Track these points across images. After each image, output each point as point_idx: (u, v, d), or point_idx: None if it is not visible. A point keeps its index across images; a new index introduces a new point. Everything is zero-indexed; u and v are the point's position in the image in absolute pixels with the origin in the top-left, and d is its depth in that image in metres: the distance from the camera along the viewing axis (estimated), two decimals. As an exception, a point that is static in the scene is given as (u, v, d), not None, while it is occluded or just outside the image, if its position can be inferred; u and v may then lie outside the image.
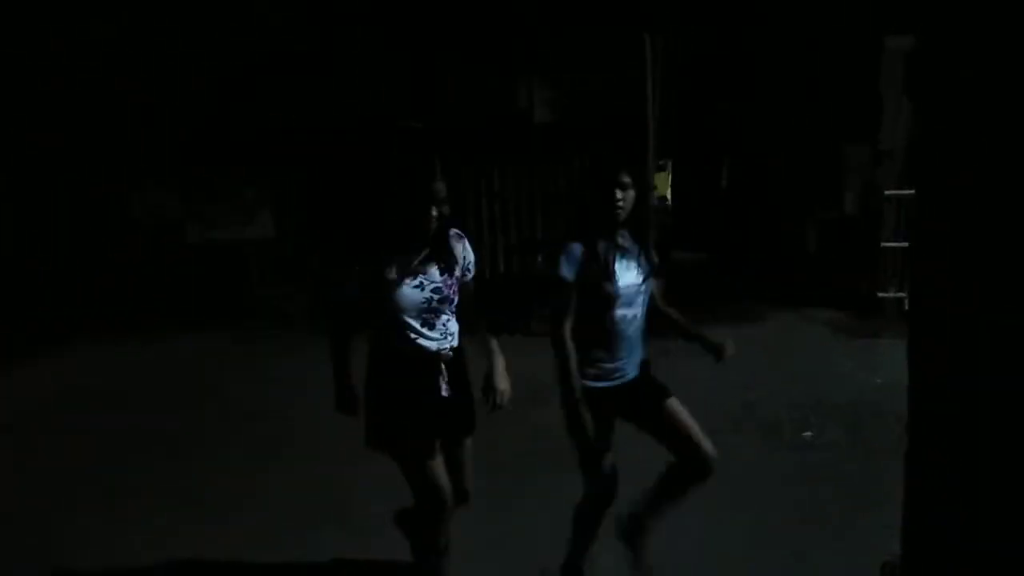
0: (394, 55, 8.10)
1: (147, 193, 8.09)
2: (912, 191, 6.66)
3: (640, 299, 2.68)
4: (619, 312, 2.62)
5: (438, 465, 2.67)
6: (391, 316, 2.56)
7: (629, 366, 2.72)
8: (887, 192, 6.83)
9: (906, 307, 6.69)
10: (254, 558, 3.32)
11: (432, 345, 2.61)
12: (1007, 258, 1.05)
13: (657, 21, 7.04)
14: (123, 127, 8.09)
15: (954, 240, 1.13)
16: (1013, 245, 1.05)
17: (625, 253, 2.65)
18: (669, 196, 8.50)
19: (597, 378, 2.66)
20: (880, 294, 6.82)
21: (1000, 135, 1.08)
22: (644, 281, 2.68)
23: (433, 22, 7.95)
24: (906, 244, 6.66)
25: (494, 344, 2.74)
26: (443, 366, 2.63)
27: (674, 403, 2.75)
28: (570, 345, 2.59)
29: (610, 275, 2.58)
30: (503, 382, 2.70)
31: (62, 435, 4.86)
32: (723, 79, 8.22)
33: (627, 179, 2.59)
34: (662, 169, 7.83)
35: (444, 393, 2.64)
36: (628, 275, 2.63)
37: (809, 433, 4.39)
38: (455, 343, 2.68)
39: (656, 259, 2.76)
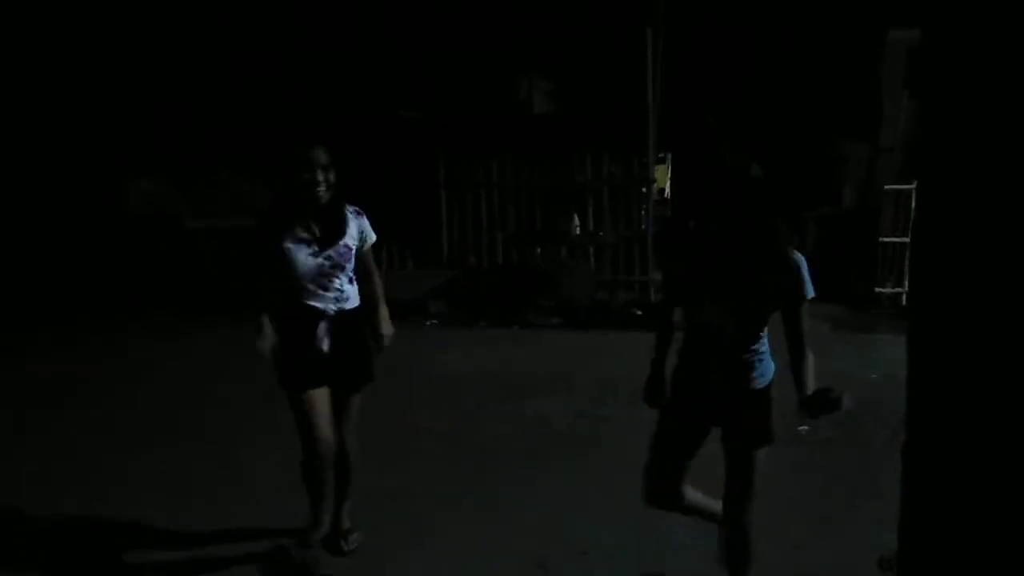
0: (394, 46, 8.07)
1: (143, 182, 8.08)
2: (911, 186, 6.66)
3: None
4: None
5: (318, 417, 2.91)
6: (290, 279, 2.86)
7: None
8: (886, 187, 6.83)
9: (903, 302, 6.70)
10: (244, 535, 3.33)
11: (320, 305, 2.89)
12: (1008, 253, 1.05)
13: (658, 14, 7.01)
14: (121, 118, 8.07)
15: (955, 235, 1.12)
16: (1014, 241, 1.05)
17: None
18: (668, 189, 8.49)
19: None
20: (877, 289, 6.82)
21: (1004, 131, 1.07)
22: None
23: (436, 14, 7.93)
24: (904, 239, 6.66)
25: (381, 298, 3.09)
26: (324, 323, 2.90)
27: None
28: None
29: None
30: (387, 327, 3.10)
31: (54, 422, 4.86)
32: (724, 72, 8.19)
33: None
34: (662, 162, 7.82)
35: (324, 348, 2.91)
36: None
37: (804, 428, 4.40)
38: (350, 305, 2.96)
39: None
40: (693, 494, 2.66)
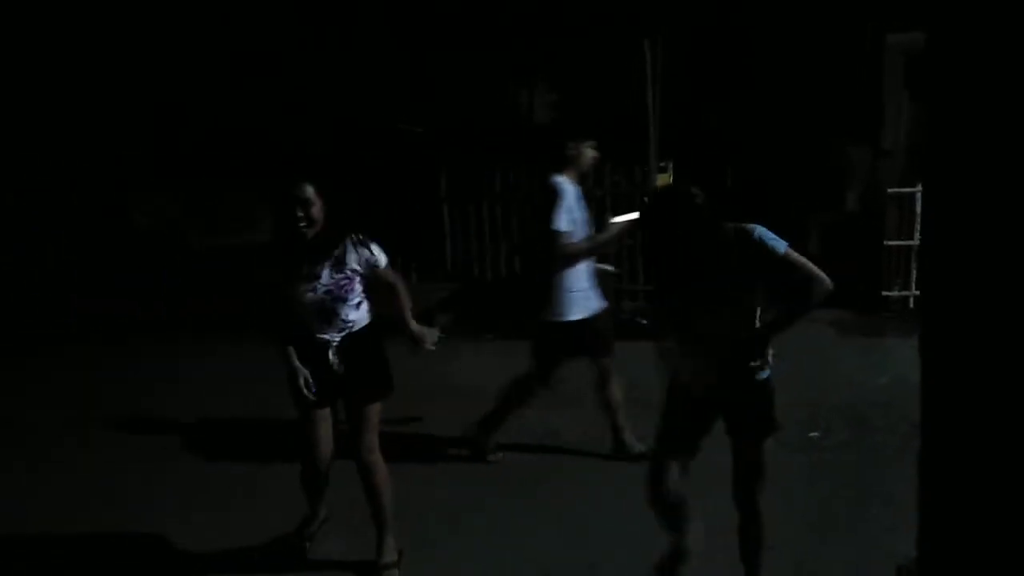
0: (396, 57, 8.09)
1: (149, 198, 8.08)
2: (914, 189, 6.67)
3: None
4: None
5: (318, 437, 3.11)
6: (294, 312, 2.95)
7: None
8: (890, 191, 6.81)
9: (911, 305, 6.67)
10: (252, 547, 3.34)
11: (326, 336, 2.98)
12: (1019, 255, 1.04)
13: (657, 22, 7.02)
14: (124, 133, 8.08)
15: (965, 238, 1.12)
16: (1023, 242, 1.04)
17: None
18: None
19: None
20: (884, 293, 6.79)
21: (1012, 132, 1.07)
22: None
23: (435, 24, 7.95)
24: (909, 242, 6.64)
25: (407, 310, 3.17)
26: (332, 350, 2.99)
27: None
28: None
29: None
30: (419, 333, 3.19)
31: (66, 436, 4.87)
32: (724, 80, 8.21)
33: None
34: (663, 171, 7.81)
35: (336, 368, 3.00)
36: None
37: (815, 433, 4.37)
38: (358, 327, 3.03)
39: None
40: (681, 493, 2.73)
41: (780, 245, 2.46)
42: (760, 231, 2.47)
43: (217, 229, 7.81)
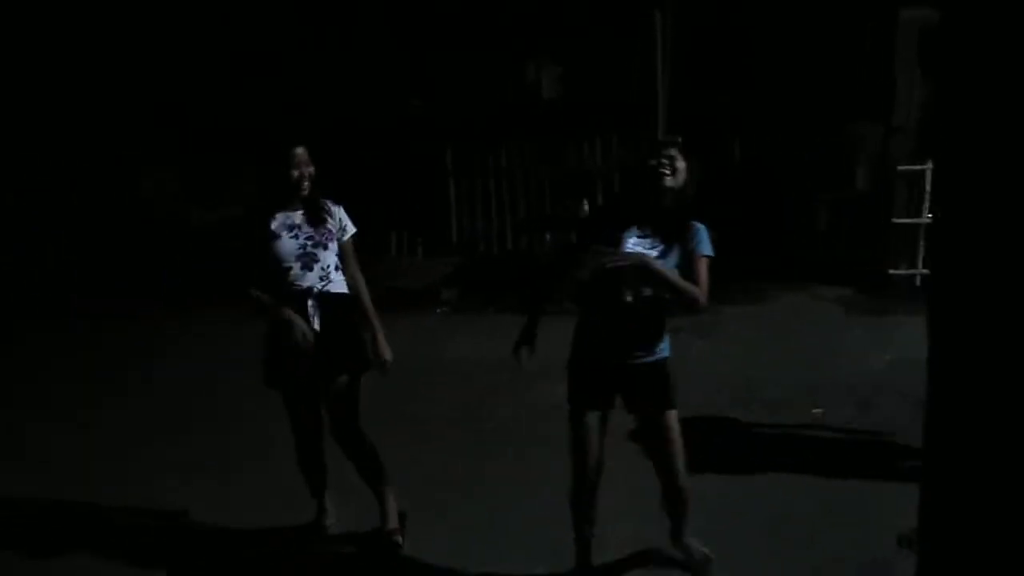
0: (395, 43, 8.04)
1: (153, 174, 8.07)
2: (925, 167, 6.59)
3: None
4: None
5: (304, 410, 3.16)
6: (275, 263, 3.02)
7: None
8: (899, 168, 6.75)
9: (917, 284, 6.65)
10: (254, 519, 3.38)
11: (305, 284, 3.04)
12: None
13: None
14: (129, 111, 8.06)
15: (974, 216, 1.11)
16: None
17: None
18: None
19: None
20: (891, 271, 6.77)
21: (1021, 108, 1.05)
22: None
23: (439, 4, 7.89)
24: (918, 220, 6.60)
25: (372, 313, 3.19)
26: (311, 300, 3.02)
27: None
28: None
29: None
30: (387, 352, 3.17)
31: (76, 409, 4.90)
32: (734, 53, 8.12)
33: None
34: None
35: (315, 326, 3.02)
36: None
37: (819, 411, 4.38)
38: (335, 288, 3.10)
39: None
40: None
41: (707, 248, 2.65)
42: (701, 227, 2.68)
43: (217, 208, 7.78)
